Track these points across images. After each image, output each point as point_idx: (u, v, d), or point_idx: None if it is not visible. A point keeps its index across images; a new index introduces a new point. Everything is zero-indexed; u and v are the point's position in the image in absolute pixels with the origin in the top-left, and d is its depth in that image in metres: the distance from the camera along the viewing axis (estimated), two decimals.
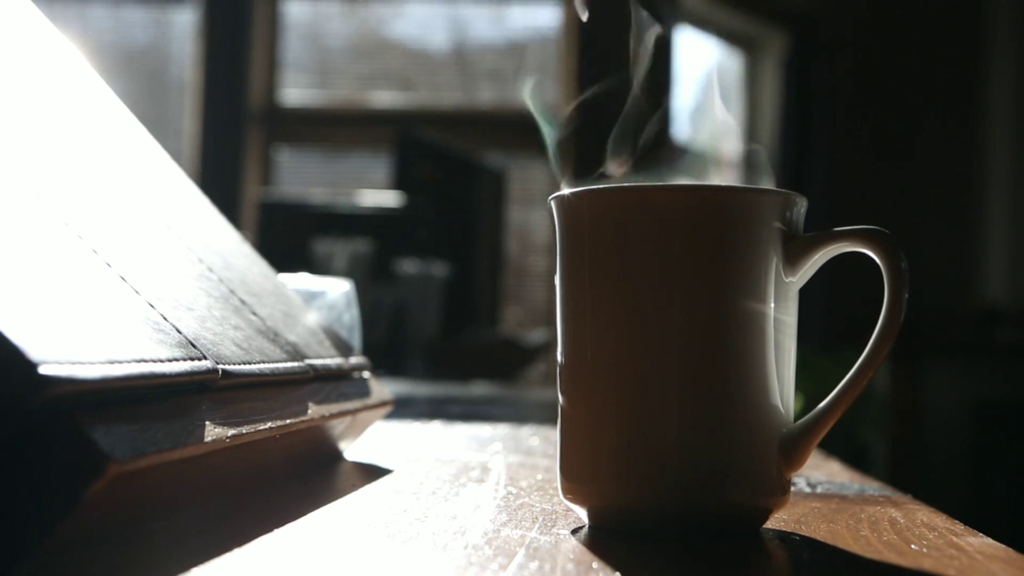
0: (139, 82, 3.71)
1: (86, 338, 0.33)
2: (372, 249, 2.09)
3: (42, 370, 0.29)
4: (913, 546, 0.39)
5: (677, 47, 3.59)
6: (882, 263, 0.41)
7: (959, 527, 0.43)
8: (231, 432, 0.40)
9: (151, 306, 0.40)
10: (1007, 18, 3.62)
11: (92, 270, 0.39)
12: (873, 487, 0.55)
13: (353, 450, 0.64)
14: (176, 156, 0.72)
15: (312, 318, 0.64)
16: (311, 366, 0.54)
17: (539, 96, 0.45)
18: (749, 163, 0.45)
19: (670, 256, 0.40)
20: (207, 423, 0.38)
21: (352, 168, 3.76)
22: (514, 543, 0.37)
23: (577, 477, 0.42)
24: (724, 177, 0.44)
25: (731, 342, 0.40)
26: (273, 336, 0.52)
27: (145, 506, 0.37)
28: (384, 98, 3.72)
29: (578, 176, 0.44)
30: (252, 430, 0.42)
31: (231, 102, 3.60)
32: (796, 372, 0.43)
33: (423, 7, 3.76)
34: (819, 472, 0.61)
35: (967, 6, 3.69)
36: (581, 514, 0.42)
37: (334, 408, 0.54)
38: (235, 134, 3.60)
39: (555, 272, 0.44)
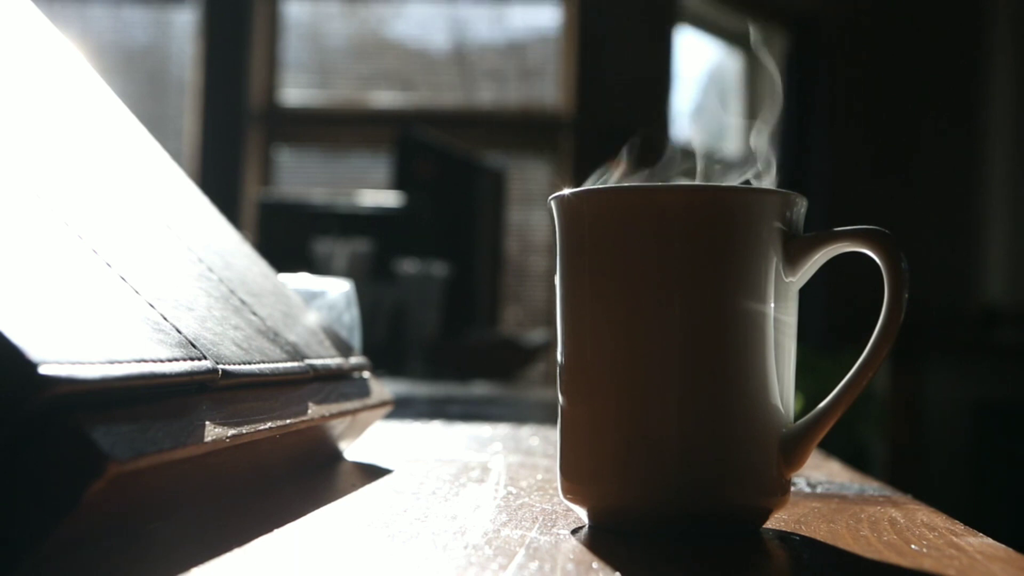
0: (139, 82, 3.71)
1: (86, 338, 0.33)
2: (372, 249, 2.09)
3: (42, 370, 0.29)
4: (913, 546, 0.39)
5: (677, 48, 3.60)
6: (882, 263, 0.41)
7: (959, 527, 0.43)
8: (231, 432, 0.40)
9: (151, 306, 0.40)
10: (1007, 16, 3.62)
11: (92, 270, 0.39)
12: (873, 487, 0.55)
13: (353, 450, 0.64)
14: (176, 156, 0.72)
15: (312, 318, 0.64)
16: (311, 366, 0.54)
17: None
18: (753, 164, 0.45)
19: (670, 256, 0.40)
20: (207, 423, 0.38)
21: (352, 168, 3.76)
22: (514, 543, 0.37)
23: (577, 477, 0.42)
24: (725, 177, 0.44)
25: (731, 342, 0.40)
26: (273, 336, 0.52)
27: (145, 506, 0.37)
28: (384, 98, 3.72)
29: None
30: (252, 430, 0.42)
31: (231, 102, 3.60)
32: (796, 372, 0.43)
33: (423, 7, 3.76)
34: (819, 472, 0.61)
35: (967, 5, 3.69)
36: (581, 514, 0.42)
37: (334, 408, 0.54)
38: (235, 134, 3.60)
39: (555, 272, 0.44)
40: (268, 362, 0.47)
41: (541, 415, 1.04)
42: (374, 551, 0.36)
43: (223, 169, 3.56)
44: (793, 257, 0.41)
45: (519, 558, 0.35)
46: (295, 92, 3.74)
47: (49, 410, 0.30)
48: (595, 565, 0.35)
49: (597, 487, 0.41)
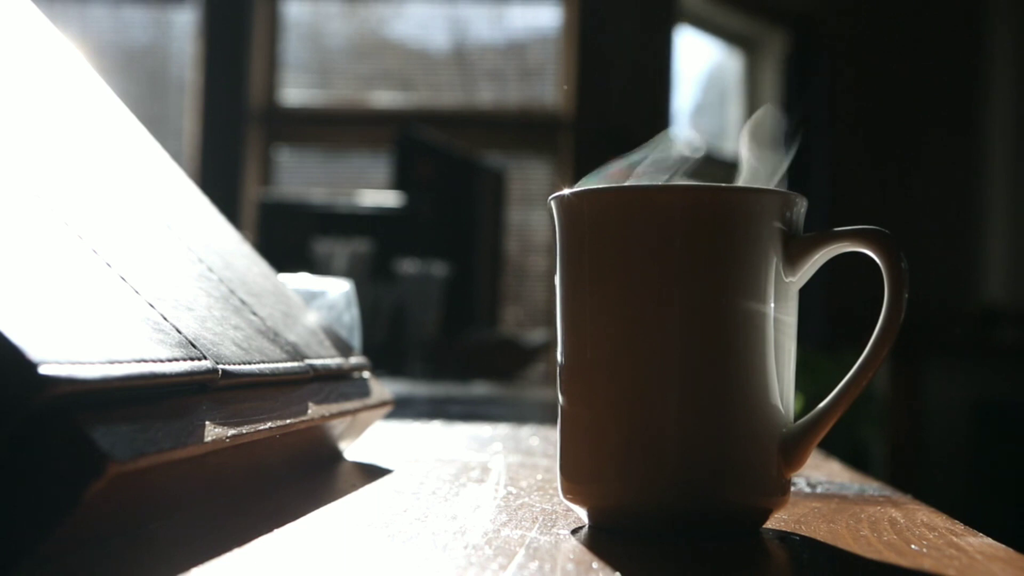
0: (139, 82, 3.71)
1: (86, 338, 0.33)
2: (372, 249, 2.09)
3: (42, 370, 0.29)
4: (913, 546, 0.39)
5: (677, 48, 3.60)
6: (882, 263, 0.41)
7: (959, 527, 0.43)
8: (231, 432, 0.40)
9: (151, 306, 0.40)
10: (1008, 16, 3.62)
11: (92, 270, 0.39)
12: (873, 487, 0.55)
13: (353, 450, 0.64)
14: (176, 156, 0.72)
15: (312, 318, 0.64)
16: (311, 366, 0.54)
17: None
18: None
19: (670, 256, 0.40)
20: (207, 423, 0.38)
21: (352, 168, 3.76)
22: (514, 543, 0.37)
23: (577, 477, 0.42)
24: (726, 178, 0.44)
25: (731, 342, 0.40)
26: (273, 336, 0.52)
27: (145, 506, 0.37)
28: (384, 98, 3.72)
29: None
30: (252, 430, 0.42)
31: (231, 102, 3.60)
32: (796, 372, 0.43)
33: (423, 7, 3.76)
34: (819, 472, 0.61)
35: (968, 5, 3.69)
36: (581, 514, 0.42)
37: (334, 408, 0.54)
38: (235, 134, 3.60)
39: (555, 272, 0.44)
40: (268, 362, 0.47)
41: (541, 415, 1.04)
42: (374, 551, 0.36)
43: (223, 169, 3.56)
44: (793, 257, 0.41)
45: (519, 558, 0.35)
46: (295, 92, 3.74)
47: (49, 410, 0.30)
48: (595, 565, 0.35)
49: (597, 487, 0.41)
